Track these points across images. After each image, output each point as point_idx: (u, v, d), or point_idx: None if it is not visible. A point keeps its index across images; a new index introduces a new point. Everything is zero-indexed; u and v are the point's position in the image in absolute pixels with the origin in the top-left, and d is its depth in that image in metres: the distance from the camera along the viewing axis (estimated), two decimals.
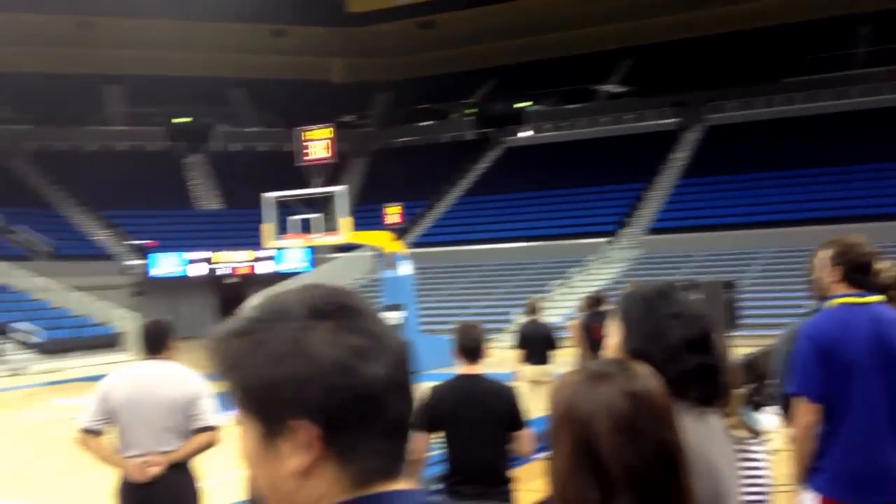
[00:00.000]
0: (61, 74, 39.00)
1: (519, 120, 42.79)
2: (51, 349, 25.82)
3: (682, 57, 38.70)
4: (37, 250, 32.92)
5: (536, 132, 41.85)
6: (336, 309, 1.02)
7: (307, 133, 26.34)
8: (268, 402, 0.99)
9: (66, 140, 40.48)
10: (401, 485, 1.02)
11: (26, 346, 25.63)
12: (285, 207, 25.78)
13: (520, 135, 42.31)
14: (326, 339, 0.99)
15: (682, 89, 38.31)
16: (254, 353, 1.00)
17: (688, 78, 38.05)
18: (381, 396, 1.00)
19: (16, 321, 26.09)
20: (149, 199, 37.20)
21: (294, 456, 0.98)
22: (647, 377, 1.37)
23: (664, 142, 37.41)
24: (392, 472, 1.02)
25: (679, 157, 36.63)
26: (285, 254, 33.27)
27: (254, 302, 1.00)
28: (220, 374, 1.04)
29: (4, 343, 25.22)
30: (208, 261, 34.17)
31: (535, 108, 43.04)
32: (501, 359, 10.30)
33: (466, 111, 44.83)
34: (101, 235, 36.55)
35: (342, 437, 0.98)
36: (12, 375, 23.86)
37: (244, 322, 1.04)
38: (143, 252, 34.78)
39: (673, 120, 38.79)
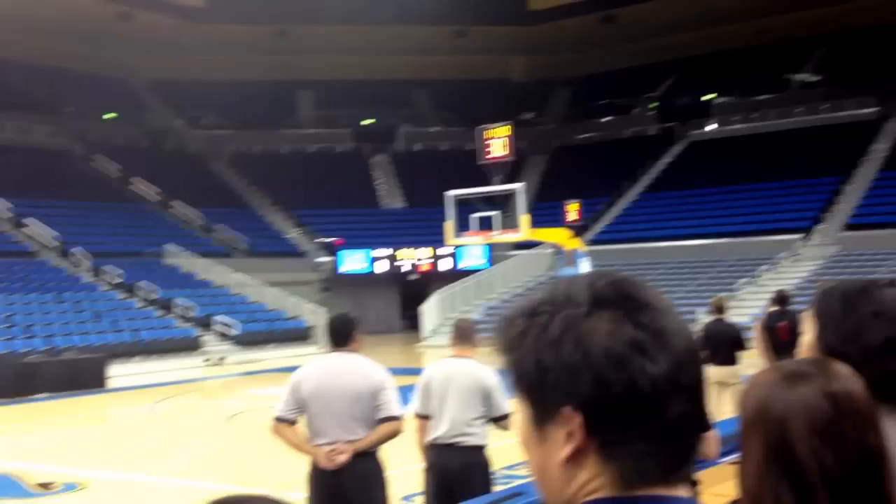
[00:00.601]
0: (258, 81, 41.21)
1: (704, 113, 41.43)
2: (247, 341, 27.32)
3: (881, 43, 36.23)
4: (235, 248, 34.95)
5: (723, 125, 40.38)
6: (620, 299, 0.98)
7: (487, 132, 26.57)
8: (539, 386, 0.97)
9: (262, 143, 42.76)
10: (678, 491, 0.97)
11: (225, 338, 27.25)
12: (466, 205, 26.13)
13: (705, 128, 40.98)
14: (603, 328, 0.96)
15: (882, 77, 35.89)
16: (532, 335, 0.99)
17: (888, 65, 35.60)
18: (656, 396, 0.95)
19: (216, 314, 27.80)
20: (337, 198, 38.66)
21: (561, 444, 0.97)
22: (848, 377, 1.29)
23: (863, 133, 35.19)
24: (667, 477, 0.96)
25: (879, 149, 34.35)
26: (465, 251, 33.71)
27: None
28: (500, 353, 1.03)
29: (206, 335, 26.93)
30: (392, 258, 35.10)
31: (722, 99, 41.54)
32: None
33: (649, 105, 43.86)
34: (293, 233, 38.35)
35: (607, 433, 0.95)
36: (212, 366, 25.46)
37: (532, 304, 1.02)
38: (332, 249, 36.21)
39: (872, 109, 36.42)
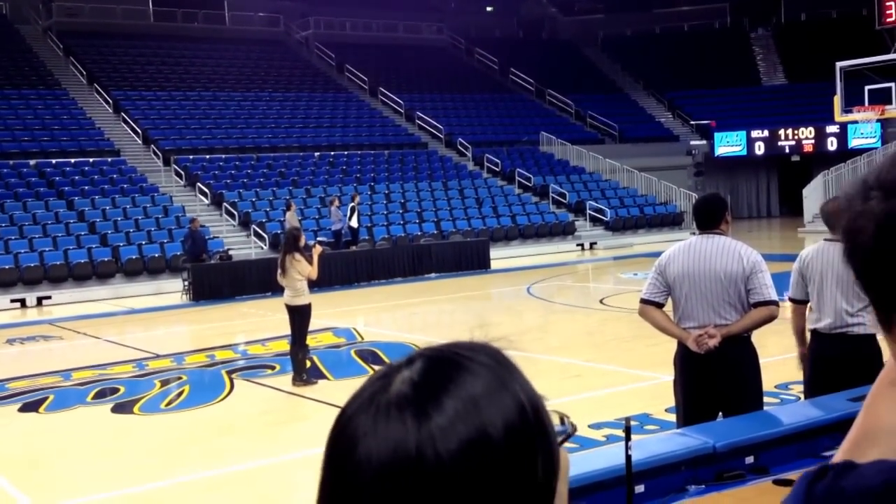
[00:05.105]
0: None
1: None
2: (618, 226, 27.56)
3: None
4: (607, 134, 35.03)
5: None
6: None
7: None
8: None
9: (634, 25, 41.89)
10: None
11: (597, 223, 27.69)
12: (857, 77, 23.78)
13: None
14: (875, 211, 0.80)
15: None
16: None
17: None
18: None
19: (589, 200, 28.27)
20: (712, 77, 37.10)
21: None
22: None
23: None
24: None
25: None
26: (853, 129, 30.82)
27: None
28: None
29: (579, 220, 27.55)
30: (771, 139, 33.16)
31: None
32: None
33: None
34: (666, 117, 37.53)
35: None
36: (584, 250, 26.08)
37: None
38: (705, 132, 35.00)
39: None
